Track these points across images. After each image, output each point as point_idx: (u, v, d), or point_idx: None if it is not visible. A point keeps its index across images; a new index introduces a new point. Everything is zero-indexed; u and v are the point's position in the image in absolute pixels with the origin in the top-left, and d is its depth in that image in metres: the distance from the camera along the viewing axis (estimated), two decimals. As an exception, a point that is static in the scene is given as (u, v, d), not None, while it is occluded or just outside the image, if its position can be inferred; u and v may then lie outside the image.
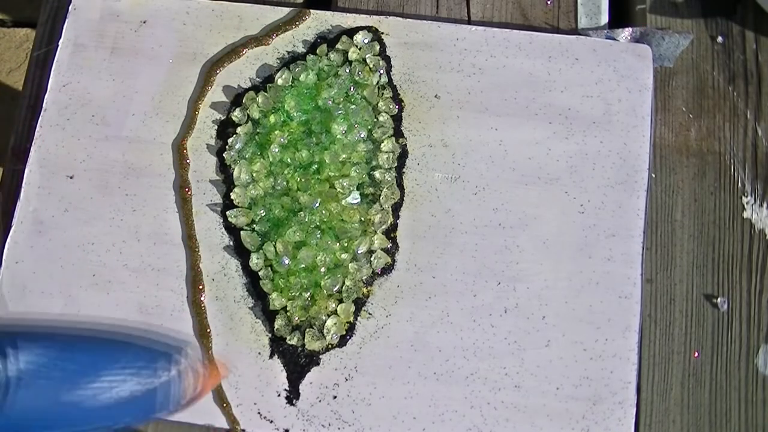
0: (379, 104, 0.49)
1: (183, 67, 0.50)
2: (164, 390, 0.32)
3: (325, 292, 0.45)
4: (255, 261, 0.46)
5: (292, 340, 0.45)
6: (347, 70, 0.49)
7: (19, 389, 0.26)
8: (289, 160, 0.48)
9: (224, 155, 0.48)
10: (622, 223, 0.47)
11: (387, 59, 0.50)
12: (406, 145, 0.49)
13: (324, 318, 0.45)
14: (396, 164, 0.48)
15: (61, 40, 0.51)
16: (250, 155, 0.48)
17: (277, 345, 0.45)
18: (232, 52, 0.50)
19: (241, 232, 0.47)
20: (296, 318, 0.45)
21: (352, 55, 0.50)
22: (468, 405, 0.44)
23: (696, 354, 0.47)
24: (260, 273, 0.46)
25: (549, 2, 0.53)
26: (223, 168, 0.48)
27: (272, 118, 0.48)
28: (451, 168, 0.48)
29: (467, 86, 0.50)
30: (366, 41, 0.50)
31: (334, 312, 0.45)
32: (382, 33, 0.50)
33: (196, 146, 0.49)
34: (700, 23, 0.53)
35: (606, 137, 0.49)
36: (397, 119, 0.49)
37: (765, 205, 0.49)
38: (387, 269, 0.46)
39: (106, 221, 0.48)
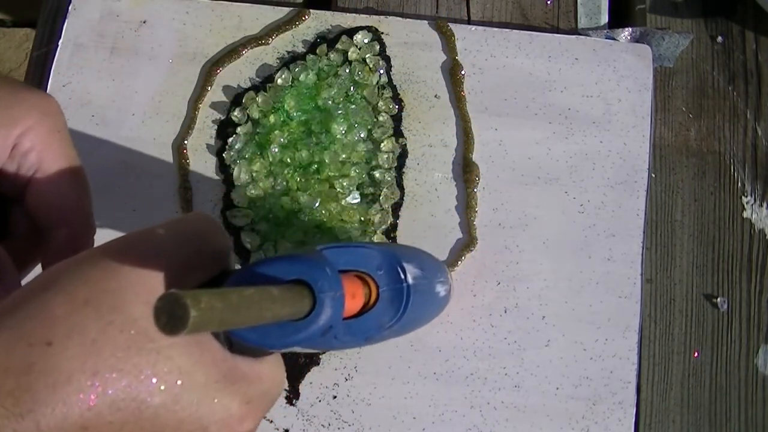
0: (379, 104, 0.49)
1: (183, 67, 0.50)
2: (448, 297, 0.38)
3: (325, 292, 0.45)
4: (255, 261, 0.46)
5: (292, 340, 0.45)
6: (347, 70, 0.49)
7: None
8: (288, 160, 0.48)
9: (224, 155, 0.48)
10: (622, 223, 0.47)
11: (387, 59, 0.50)
12: (406, 145, 0.49)
13: (324, 318, 0.45)
14: (396, 164, 0.48)
15: (61, 40, 0.51)
16: (250, 155, 0.48)
17: (277, 345, 0.45)
18: (232, 52, 0.50)
19: (241, 232, 0.47)
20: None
21: (352, 55, 0.50)
22: (468, 405, 0.44)
23: (696, 354, 0.47)
24: (260, 273, 0.46)
25: (549, 2, 0.53)
26: (223, 168, 0.48)
27: (272, 118, 0.48)
28: (451, 168, 0.48)
29: (467, 86, 0.50)
30: (366, 41, 0.50)
31: (334, 312, 0.45)
32: (382, 33, 0.50)
33: (196, 146, 0.49)
34: (700, 23, 0.53)
35: (606, 137, 0.49)
36: (397, 119, 0.49)
37: (765, 205, 0.49)
38: (387, 269, 0.46)
39: (106, 221, 0.47)
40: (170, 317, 0.18)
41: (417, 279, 0.30)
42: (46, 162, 0.31)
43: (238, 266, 0.47)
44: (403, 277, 0.29)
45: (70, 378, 0.22)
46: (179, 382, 0.23)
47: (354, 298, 0.27)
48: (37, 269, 0.32)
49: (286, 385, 0.45)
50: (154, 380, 0.23)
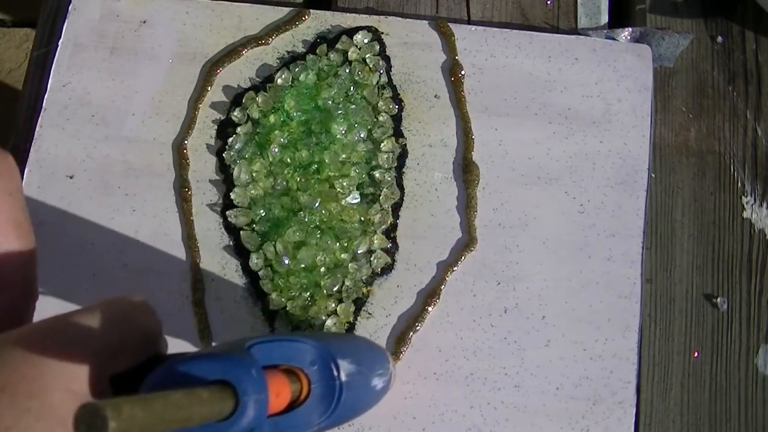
0: (379, 104, 0.49)
1: (183, 67, 0.50)
2: (387, 387, 0.38)
3: (324, 292, 0.45)
4: (255, 261, 0.46)
5: (292, 340, 0.45)
6: (347, 70, 0.49)
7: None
8: (288, 160, 0.48)
9: (224, 155, 0.48)
10: (622, 223, 0.47)
11: (387, 59, 0.50)
12: (406, 145, 0.49)
13: (324, 318, 0.45)
14: (396, 164, 0.48)
15: (61, 40, 0.51)
16: (250, 155, 0.48)
17: (277, 345, 0.45)
18: (232, 52, 0.50)
19: (241, 232, 0.47)
20: (296, 318, 0.45)
21: (352, 55, 0.50)
22: (468, 405, 0.44)
23: (696, 354, 0.47)
24: (260, 273, 0.46)
25: (549, 2, 0.53)
26: (223, 168, 0.48)
27: (272, 118, 0.48)
28: (451, 168, 0.48)
29: (467, 86, 0.50)
30: (366, 41, 0.50)
31: (334, 312, 0.45)
32: (382, 33, 0.50)
33: (196, 146, 0.49)
34: (700, 23, 0.53)
35: (606, 137, 0.49)
36: (397, 119, 0.49)
37: (765, 205, 0.49)
38: (387, 269, 0.46)
39: (106, 221, 0.48)
40: (89, 427, 0.18)
41: (351, 375, 0.30)
42: None
43: (238, 266, 0.47)
44: (336, 373, 0.29)
45: None
46: None
47: (279, 396, 0.26)
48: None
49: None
50: None
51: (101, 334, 0.25)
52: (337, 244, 0.46)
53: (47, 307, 0.46)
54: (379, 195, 0.47)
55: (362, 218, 0.47)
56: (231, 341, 0.29)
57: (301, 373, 0.28)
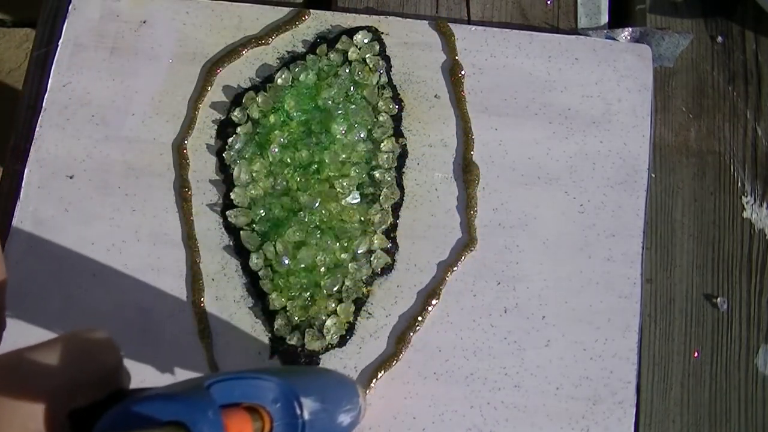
0: (379, 104, 0.49)
1: (183, 67, 0.50)
2: (356, 422, 0.37)
3: (324, 291, 0.45)
4: (255, 261, 0.46)
5: (292, 340, 0.45)
6: (347, 70, 0.49)
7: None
8: (288, 160, 0.48)
9: (224, 155, 0.48)
10: (622, 223, 0.47)
11: (387, 59, 0.50)
12: (406, 145, 0.49)
13: (324, 318, 0.45)
14: (396, 164, 0.48)
15: (61, 40, 0.51)
16: (250, 155, 0.48)
17: (277, 345, 0.45)
18: (232, 52, 0.50)
19: (241, 232, 0.47)
20: (296, 318, 0.45)
21: (352, 55, 0.50)
22: (468, 405, 0.44)
23: (696, 354, 0.47)
24: (260, 273, 0.46)
25: (549, 2, 0.53)
26: (223, 168, 0.48)
27: (272, 118, 0.48)
28: (451, 168, 0.48)
29: (467, 86, 0.50)
30: (366, 41, 0.50)
31: (334, 312, 0.45)
32: (382, 33, 0.50)
33: (196, 146, 0.49)
34: (700, 23, 0.53)
35: (606, 137, 0.49)
36: (397, 119, 0.49)
37: (765, 205, 0.49)
38: (387, 269, 0.46)
39: (106, 221, 0.48)
40: None
41: (315, 413, 0.30)
42: None
43: (238, 266, 0.47)
44: (299, 412, 0.29)
45: None
46: None
47: None
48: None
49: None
50: None
51: (58, 370, 0.25)
52: (337, 244, 0.46)
53: (48, 307, 0.46)
54: (379, 195, 0.47)
55: (362, 218, 0.47)
56: (192, 379, 0.28)
57: (264, 411, 0.28)
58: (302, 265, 0.45)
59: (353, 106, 0.48)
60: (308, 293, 0.46)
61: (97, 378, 0.26)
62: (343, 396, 0.36)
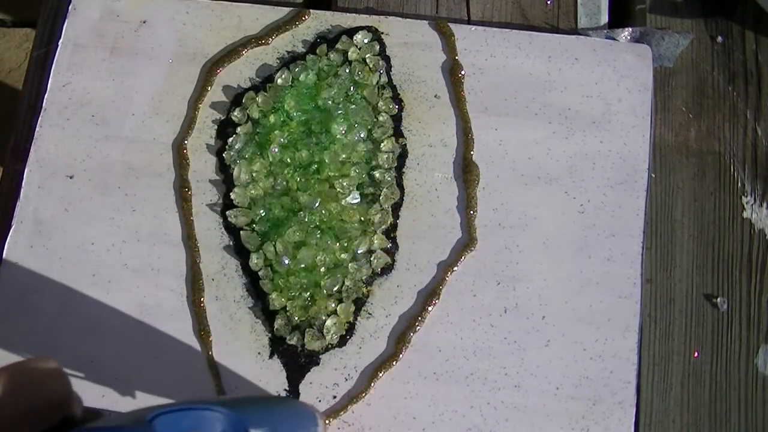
0: (379, 104, 0.49)
1: (183, 67, 0.50)
2: None
3: (324, 292, 0.45)
4: (255, 261, 0.46)
5: (292, 340, 0.45)
6: (347, 70, 0.49)
7: None
8: (288, 160, 0.48)
9: (224, 155, 0.48)
10: (622, 223, 0.47)
11: (387, 59, 0.50)
12: (406, 145, 0.49)
13: (324, 318, 0.45)
14: (396, 164, 0.48)
15: (60, 40, 0.51)
16: (250, 155, 0.48)
17: (277, 345, 0.45)
18: (232, 52, 0.50)
19: (241, 232, 0.47)
20: (296, 318, 0.45)
21: (352, 55, 0.50)
22: (468, 405, 0.44)
23: (696, 354, 0.47)
24: (260, 273, 0.46)
25: (549, 2, 0.53)
26: (223, 168, 0.48)
27: (272, 118, 0.48)
28: (451, 168, 0.48)
29: (467, 86, 0.50)
30: (366, 41, 0.50)
31: (334, 312, 0.45)
32: (382, 33, 0.50)
33: (196, 146, 0.49)
34: (700, 23, 0.53)
35: (606, 137, 0.49)
36: (397, 119, 0.49)
37: (765, 205, 0.49)
38: (387, 269, 0.46)
39: (105, 221, 0.48)
40: None
41: None
42: None
43: (238, 266, 0.47)
44: None
45: None
46: None
47: None
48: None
49: (286, 386, 0.45)
50: None
51: (2, 401, 0.24)
52: (337, 244, 0.46)
53: (48, 307, 0.46)
54: (379, 195, 0.47)
55: (362, 218, 0.47)
56: (135, 411, 0.28)
57: None
58: (302, 265, 0.45)
59: (353, 106, 0.48)
60: (308, 293, 0.46)
61: (44, 407, 0.26)
62: (299, 425, 0.35)
